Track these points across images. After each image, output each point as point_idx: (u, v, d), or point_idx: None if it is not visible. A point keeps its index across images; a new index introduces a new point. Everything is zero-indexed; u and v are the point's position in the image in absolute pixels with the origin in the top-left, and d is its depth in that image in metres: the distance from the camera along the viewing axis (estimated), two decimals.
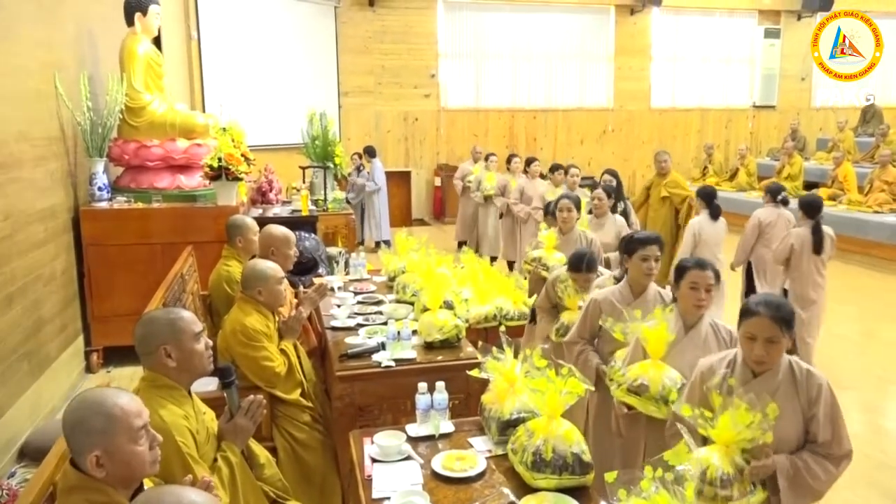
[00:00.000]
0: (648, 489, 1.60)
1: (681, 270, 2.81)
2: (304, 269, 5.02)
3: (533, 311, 4.94)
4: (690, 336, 2.78)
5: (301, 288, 4.01)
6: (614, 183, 6.42)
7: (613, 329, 2.89)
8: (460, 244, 9.37)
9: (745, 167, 12.52)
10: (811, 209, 5.31)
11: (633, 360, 2.81)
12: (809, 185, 11.53)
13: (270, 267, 3.32)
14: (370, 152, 10.33)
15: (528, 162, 8.32)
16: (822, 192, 10.88)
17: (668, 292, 3.25)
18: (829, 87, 14.87)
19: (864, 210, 9.80)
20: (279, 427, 3.19)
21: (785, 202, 5.90)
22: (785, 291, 5.41)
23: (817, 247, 5.22)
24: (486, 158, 9.17)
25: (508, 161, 8.79)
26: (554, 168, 7.84)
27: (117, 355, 5.25)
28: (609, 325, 2.92)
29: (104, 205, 5.41)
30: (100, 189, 5.40)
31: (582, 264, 3.83)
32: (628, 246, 3.23)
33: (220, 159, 5.37)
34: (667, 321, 2.66)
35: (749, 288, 5.97)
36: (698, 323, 2.81)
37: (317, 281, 4.40)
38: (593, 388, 2.82)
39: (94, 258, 5.26)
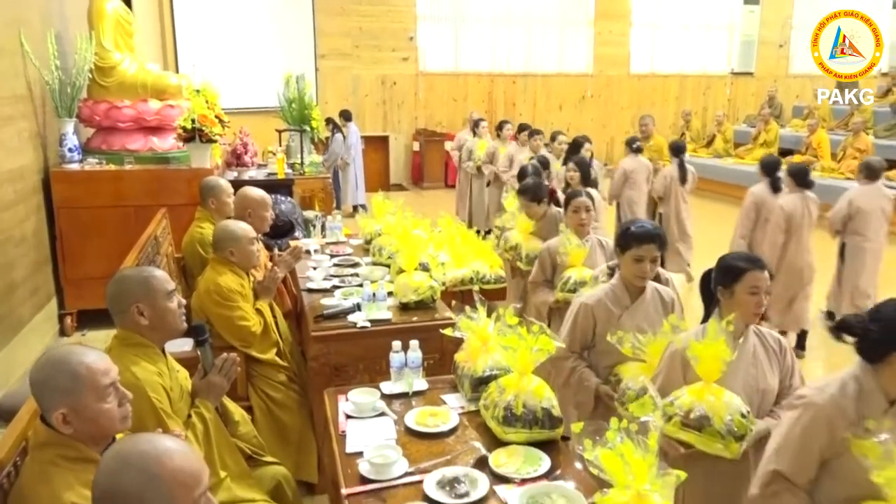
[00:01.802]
0: (614, 440, 1.65)
1: (734, 272, 2.29)
2: (280, 232, 4.99)
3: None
4: (738, 351, 2.27)
5: (276, 251, 4.01)
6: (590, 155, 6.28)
7: (622, 344, 2.45)
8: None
9: (721, 134, 12.59)
10: (677, 150, 6.89)
11: (668, 382, 2.30)
12: (784, 152, 11.62)
13: (241, 227, 3.31)
14: (346, 116, 10.17)
15: (500, 126, 8.19)
16: (796, 159, 11.04)
17: (668, 290, 2.81)
18: (806, 55, 14.98)
19: (836, 177, 9.93)
20: (255, 386, 3.21)
21: (638, 150, 7.03)
22: (659, 217, 6.90)
23: (682, 179, 6.75)
24: (476, 125, 8.67)
25: (499, 128, 8.44)
26: (525, 131, 7.68)
27: (92, 319, 5.21)
28: (616, 339, 2.48)
29: (75, 166, 5.31)
30: (70, 150, 5.30)
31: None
32: (622, 240, 2.72)
33: (193, 121, 5.29)
34: (722, 335, 2.14)
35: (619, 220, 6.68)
36: (745, 332, 2.35)
37: (293, 244, 4.39)
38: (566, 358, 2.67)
39: (65, 220, 5.19)
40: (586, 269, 3.56)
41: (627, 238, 2.68)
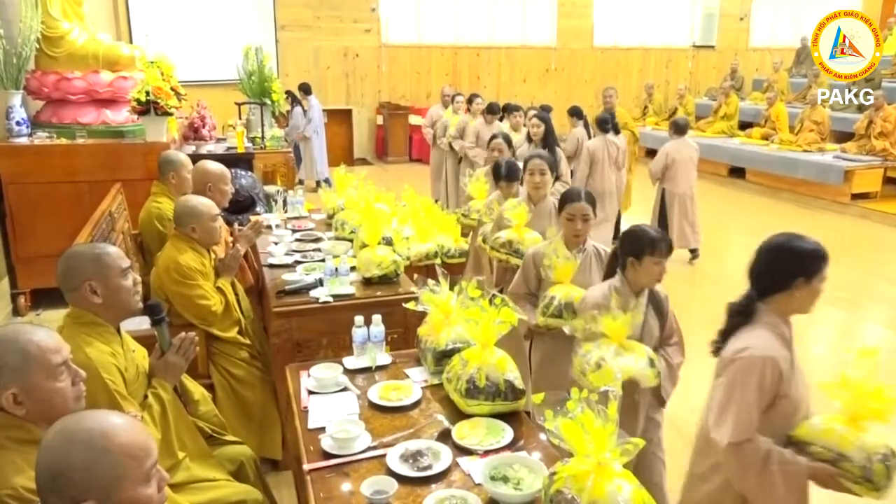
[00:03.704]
0: (574, 410, 1.66)
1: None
2: (240, 207, 4.90)
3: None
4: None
5: (236, 226, 3.93)
6: (544, 128, 5.87)
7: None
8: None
9: (683, 107, 12.72)
10: (578, 114, 7.30)
11: None
12: (744, 125, 11.83)
13: (203, 203, 3.23)
14: (305, 89, 9.96)
15: (470, 99, 8.04)
16: (755, 132, 11.24)
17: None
18: (766, 28, 15.17)
19: (794, 149, 10.13)
20: (216, 364, 3.16)
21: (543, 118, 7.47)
22: (570, 173, 7.02)
23: (589, 138, 7.03)
24: (453, 100, 8.27)
25: (469, 101, 8.02)
26: (499, 108, 7.52)
27: (46, 298, 5.07)
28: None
29: (24, 140, 5.13)
30: (18, 124, 5.11)
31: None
32: (635, 246, 2.52)
33: (147, 93, 5.13)
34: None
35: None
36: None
37: (253, 219, 4.31)
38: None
39: (15, 197, 5.02)
40: (575, 287, 2.93)
41: (641, 243, 2.52)
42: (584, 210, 3.00)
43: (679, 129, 6.75)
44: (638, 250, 2.51)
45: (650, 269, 2.51)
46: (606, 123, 6.69)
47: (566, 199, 3.06)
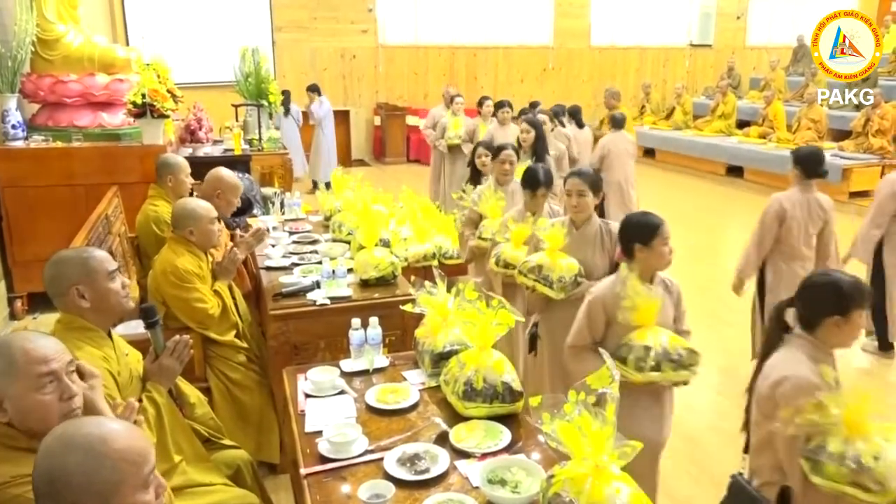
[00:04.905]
0: (572, 412, 1.65)
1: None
2: (237, 210, 4.89)
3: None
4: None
5: (238, 231, 3.92)
6: (534, 134, 5.32)
7: None
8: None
9: (681, 106, 12.72)
10: (576, 116, 7.59)
11: None
12: (742, 124, 11.83)
13: (202, 206, 3.22)
14: (314, 89, 9.93)
15: (498, 106, 7.62)
16: (752, 131, 11.23)
17: None
18: (763, 27, 15.18)
19: (791, 147, 10.09)
20: (213, 368, 3.15)
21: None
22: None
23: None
24: (452, 101, 7.97)
25: (479, 104, 7.72)
26: (503, 107, 7.34)
27: (43, 301, 5.04)
28: None
29: (19, 144, 5.11)
30: (13, 127, 5.09)
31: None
32: (841, 299, 2.06)
33: (143, 95, 5.11)
34: None
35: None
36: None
37: (252, 223, 4.30)
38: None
39: (11, 201, 5.01)
40: (659, 329, 2.51)
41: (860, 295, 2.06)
42: (579, 186, 3.08)
43: (616, 123, 7.20)
44: (846, 304, 2.04)
45: (857, 324, 2.07)
46: (560, 115, 7.18)
47: (567, 176, 3.23)
